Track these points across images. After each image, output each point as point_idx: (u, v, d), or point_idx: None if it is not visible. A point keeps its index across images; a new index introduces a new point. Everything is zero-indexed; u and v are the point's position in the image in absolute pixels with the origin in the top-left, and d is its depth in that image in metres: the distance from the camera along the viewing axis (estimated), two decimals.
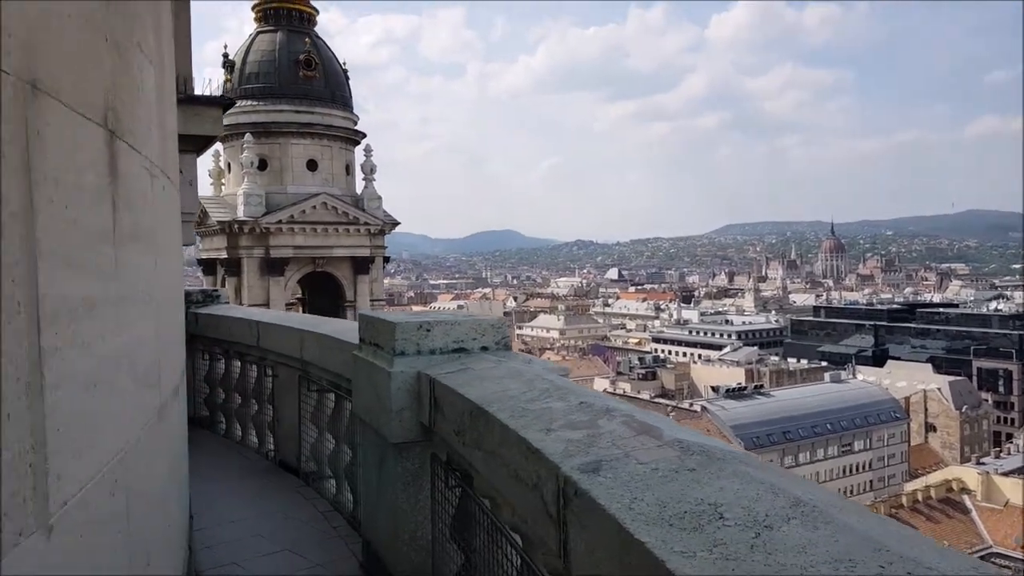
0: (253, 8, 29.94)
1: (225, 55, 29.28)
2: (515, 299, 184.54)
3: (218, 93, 29.75)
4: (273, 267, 27.97)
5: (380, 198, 30.01)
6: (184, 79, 7.40)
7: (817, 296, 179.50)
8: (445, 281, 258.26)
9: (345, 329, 5.81)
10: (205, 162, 30.60)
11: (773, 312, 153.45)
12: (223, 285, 28.74)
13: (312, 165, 28.76)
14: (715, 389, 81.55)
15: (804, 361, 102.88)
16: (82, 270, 2.02)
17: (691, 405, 72.43)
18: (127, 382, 2.41)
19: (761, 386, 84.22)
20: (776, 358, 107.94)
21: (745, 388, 79.82)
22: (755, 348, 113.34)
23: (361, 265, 29.57)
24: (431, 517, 3.56)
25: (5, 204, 1.57)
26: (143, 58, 2.82)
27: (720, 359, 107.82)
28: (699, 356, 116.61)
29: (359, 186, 30.29)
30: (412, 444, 3.61)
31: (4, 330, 1.54)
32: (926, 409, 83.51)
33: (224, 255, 28.25)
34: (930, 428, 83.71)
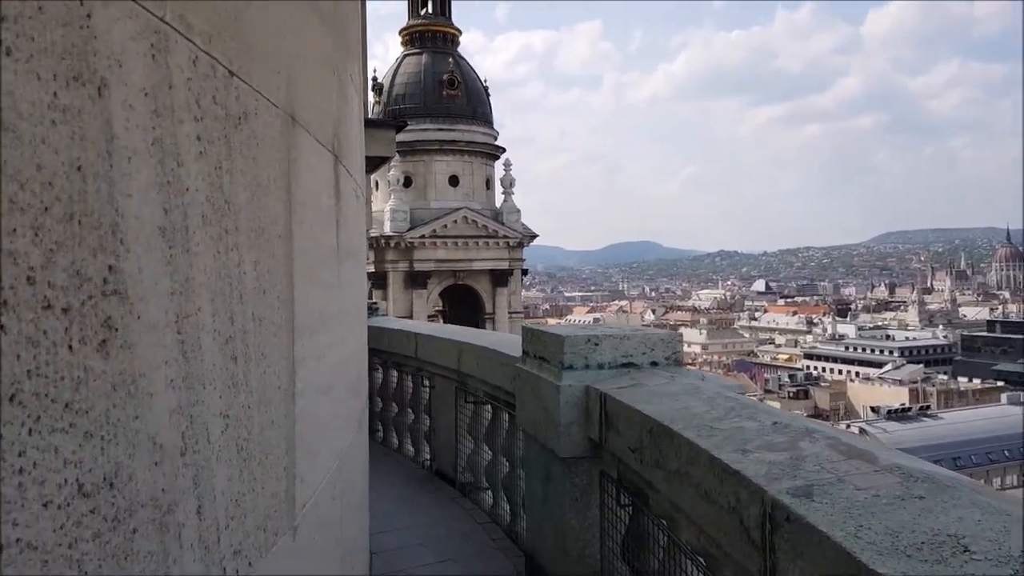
0: (400, 32, 31.33)
1: (374, 79, 30.77)
2: (654, 312, 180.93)
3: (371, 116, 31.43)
4: (416, 280, 28.98)
5: (518, 211, 30.43)
6: (367, 103, 7.97)
7: (991, 309, 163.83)
8: (580, 293, 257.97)
9: (501, 342, 5.85)
10: None
11: (940, 327, 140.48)
12: (370, 297, 30.14)
13: (454, 180, 29.63)
14: (875, 410, 76.05)
15: (977, 381, 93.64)
16: (319, 285, 2.19)
17: (848, 426, 67.91)
18: (344, 391, 2.57)
19: (928, 407, 77.34)
20: (945, 377, 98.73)
21: (909, 409, 73.62)
22: (920, 366, 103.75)
23: (500, 278, 30.07)
24: (600, 535, 3.48)
25: (275, 226, 1.73)
26: (352, 88, 3.12)
27: (881, 377, 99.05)
28: (857, 374, 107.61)
29: (498, 200, 30.86)
30: (581, 459, 3.55)
31: (270, 342, 1.68)
32: None
33: (372, 269, 29.58)
34: None
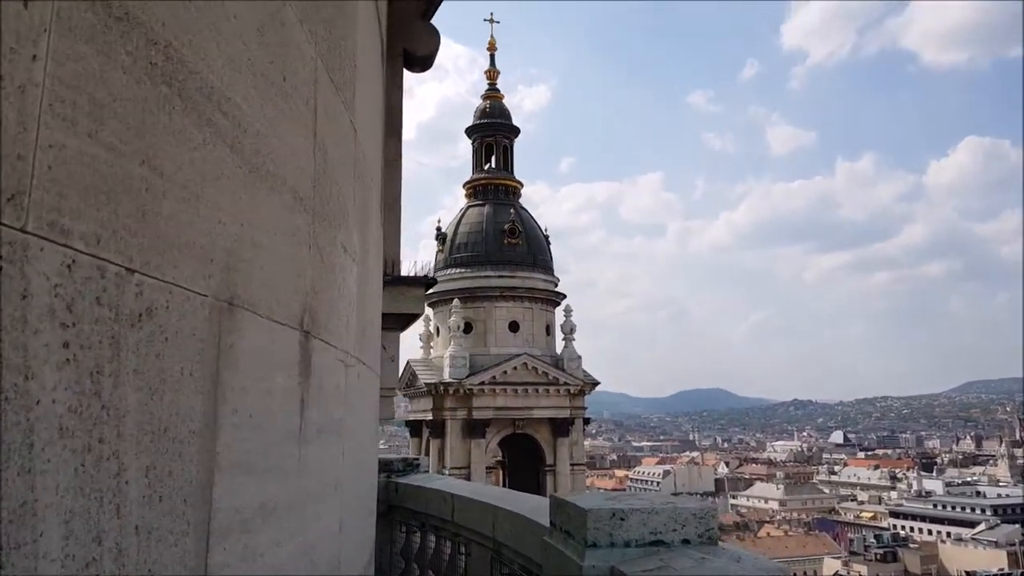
0: (464, 185, 32.68)
1: (438, 228, 31.84)
2: (727, 464, 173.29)
3: (429, 265, 32.26)
4: (475, 429, 28.34)
5: (579, 357, 29.96)
6: (392, 262, 7.98)
7: None
8: (649, 443, 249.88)
9: (539, 508, 5.36)
10: (416, 327, 32.60)
11: None
12: (427, 447, 29.49)
13: (514, 327, 29.58)
14: (971, 574, 69.43)
15: None
16: (263, 476, 1.96)
17: None
18: None
19: None
20: None
21: (1010, 574, 67.62)
22: (1016, 526, 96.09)
23: (560, 427, 29.17)
24: None
25: (186, 423, 1.65)
26: (346, 258, 3.25)
27: (974, 538, 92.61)
28: (948, 534, 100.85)
29: (559, 346, 30.55)
30: None
31: (166, 553, 1.57)
32: None
33: (430, 416, 29.19)
34: None
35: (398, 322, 8.35)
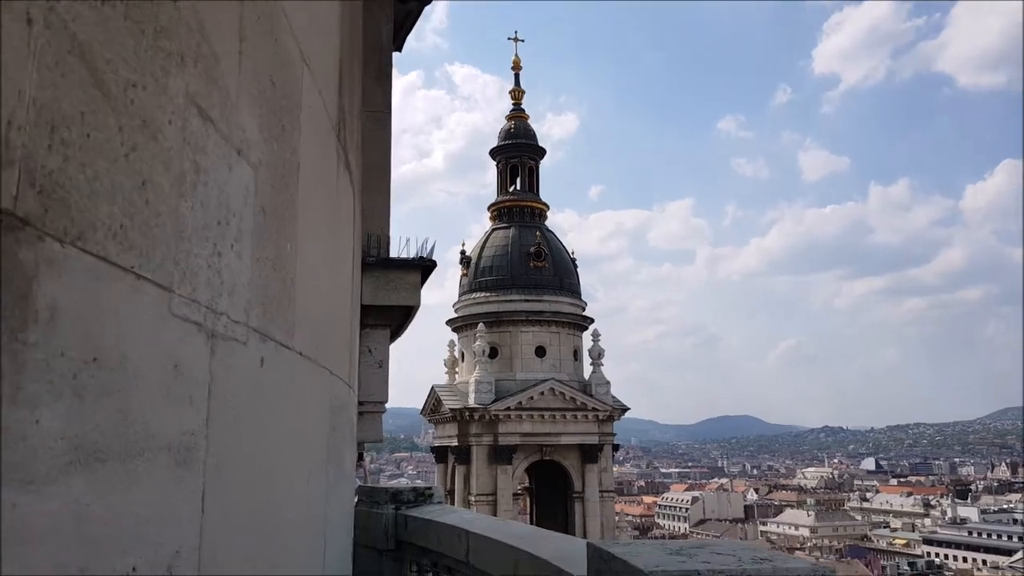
0: (489, 208, 32.33)
1: (463, 252, 31.47)
2: (756, 491, 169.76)
3: (455, 288, 31.80)
4: (501, 455, 27.70)
5: (608, 383, 29.28)
6: (377, 238, 6.48)
7: None
8: (677, 469, 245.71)
9: (573, 555, 4.64)
10: (439, 351, 32.14)
11: None
12: (453, 473, 28.91)
13: (540, 352, 29.01)
14: None
15: None
16: None
17: None
18: None
19: None
20: None
21: None
22: None
23: (589, 453, 28.44)
24: None
25: None
26: (213, 132, 1.99)
27: (1012, 566, 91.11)
28: (984, 562, 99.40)
29: (587, 371, 29.90)
30: None
31: None
32: None
33: (455, 443, 28.62)
34: None
35: (387, 318, 6.64)
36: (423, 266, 6.60)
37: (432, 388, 30.63)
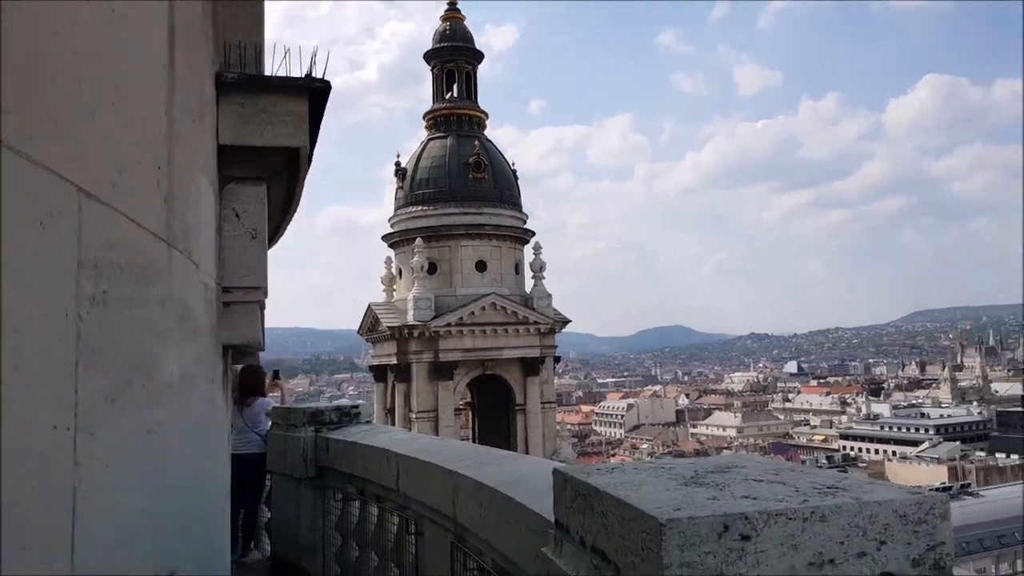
0: (424, 116, 30.68)
1: (397, 163, 29.97)
2: (687, 396, 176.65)
3: (390, 204, 30.35)
4: (442, 371, 27.22)
5: (549, 296, 28.84)
6: (243, 47, 4.71)
7: None
8: (614, 379, 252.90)
9: (523, 476, 3.70)
10: (376, 269, 31.02)
11: (974, 403, 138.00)
12: (393, 392, 28.36)
13: (481, 266, 28.23)
14: None
15: (1015, 456, 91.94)
16: None
17: None
18: None
19: (968, 485, 76.06)
20: (982, 454, 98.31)
21: (950, 488, 71.41)
22: (957, 443, 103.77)
23: (531, 366, 28.23)
24: None
25: None
26: None
27: (918, 456, 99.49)
28: (894, 453, 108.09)
29: (528, 285, 29.35)
30: None
31: None
32: None
33: (394, 361, 27.94)
34: None
35: (260, 167, 4.81)
36: (312, 89, 4.57)
37: (369, 306, 29.65)
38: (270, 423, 8.07)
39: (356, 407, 7.38)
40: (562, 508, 2.20)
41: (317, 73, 4.71)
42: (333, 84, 4.71)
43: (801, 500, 1.77)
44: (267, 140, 4.52)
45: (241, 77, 4.49)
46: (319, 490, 6.90)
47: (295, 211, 6.09)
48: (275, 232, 6.55)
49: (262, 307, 5.44)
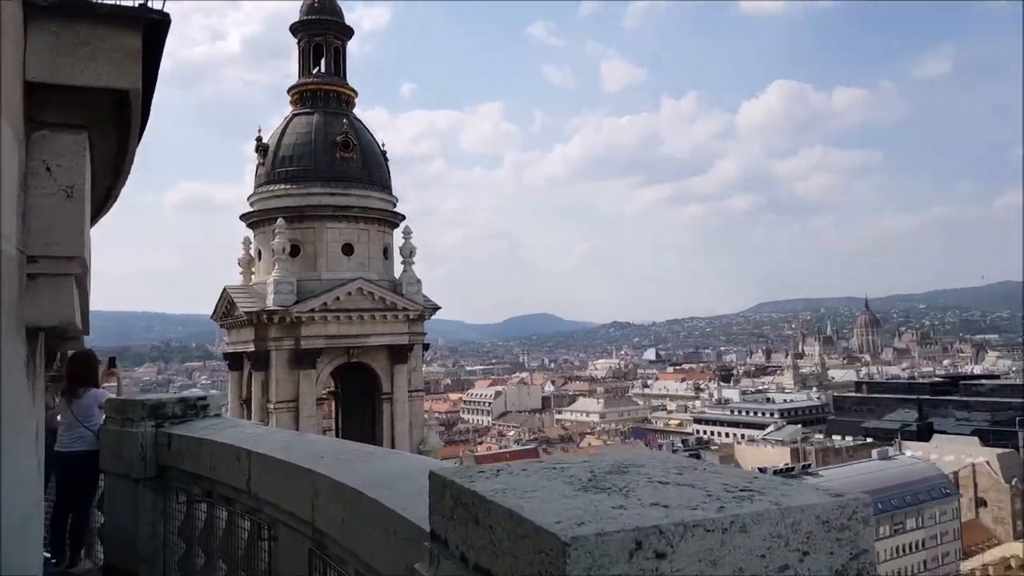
0: (289, 91, 29.14)
1: (259, 139, 28.32)
2: (553, 383, 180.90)
3: (251, 182, 28.64)
4: (304, 359, 26.02)
5: (419, 282, 28.23)
6: None
7: (858, 371, 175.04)
8: (482, 367, 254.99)
9: (395, 477, 3.35)
10: (234, 250, 29.27)
11: (814, 388, 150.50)
12: (249, 381, 26.86)
13: (348, 249, 27.17)
14: (763, 470, 78.97)
15: (849, 438, 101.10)
16: None
17: None
18: None
19: (809, 466, 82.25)
20: (820, 436, 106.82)
21: (793, 468, 77.31)
22: (799, 426, 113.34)
23: (399, 353, 27.54)
24: None
25: None
26: None
27: (764, 439, 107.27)
28: (742, 436, 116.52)
29: (398, 270, 28.61)
30: None
31: None
32: (975, 484, 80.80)
33: (252, 348, 26.42)
34: (980, 503, 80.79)
35: (79, 112, 4.03)
36: (148, 21, 3.84)
37: (224, 290, 27.85)
38: (104, 417, 7.22)
39: (204, 399, 6.73)
40: (439, 518, 1.87)
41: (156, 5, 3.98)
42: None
43: (717, 507, 1.51)
44: (89, 79, 3.75)
45: (60, 2, 3.70)
46: (160, 492, 6.33)
47: (128, 172, 5.23)
48: (105, 198, 5.66)
49: (80, 282, 4.68)
